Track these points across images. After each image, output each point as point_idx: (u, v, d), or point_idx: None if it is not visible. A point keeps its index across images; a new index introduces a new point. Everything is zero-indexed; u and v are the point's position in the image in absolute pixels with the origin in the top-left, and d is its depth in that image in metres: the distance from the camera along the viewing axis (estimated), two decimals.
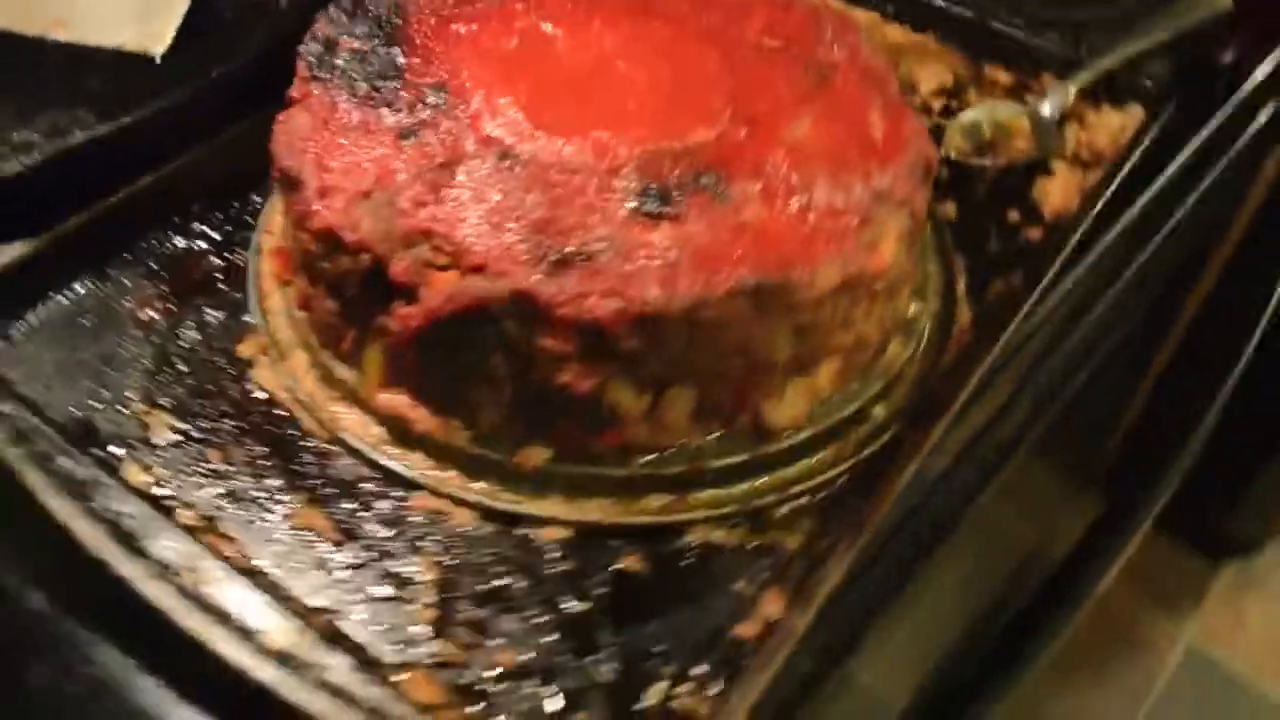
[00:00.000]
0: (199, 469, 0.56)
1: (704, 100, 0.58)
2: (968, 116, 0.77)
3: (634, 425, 0.54)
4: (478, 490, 0.55)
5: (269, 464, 0.56)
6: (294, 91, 0.58)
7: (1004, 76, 0.81)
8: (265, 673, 0.47)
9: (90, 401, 0.58)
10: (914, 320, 0.62)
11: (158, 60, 0.73)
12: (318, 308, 0.57)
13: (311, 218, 0.53)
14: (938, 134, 0.73)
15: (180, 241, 0.67)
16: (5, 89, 0.69)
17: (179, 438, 0.57)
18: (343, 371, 0.58)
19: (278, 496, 0.55)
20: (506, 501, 0.55)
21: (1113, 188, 0.69)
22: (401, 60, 0.59)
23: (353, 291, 0.54)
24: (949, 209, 0.71)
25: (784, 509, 0.56)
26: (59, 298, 0.63)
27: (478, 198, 0.53)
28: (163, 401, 0.58)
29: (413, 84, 0.58)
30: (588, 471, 0.55)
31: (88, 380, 0.59)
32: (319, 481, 0.56)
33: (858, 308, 0.55)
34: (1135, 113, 0.76)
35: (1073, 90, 0.77)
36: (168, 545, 0.51)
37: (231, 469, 0.56)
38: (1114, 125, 0.76)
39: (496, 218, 0.52)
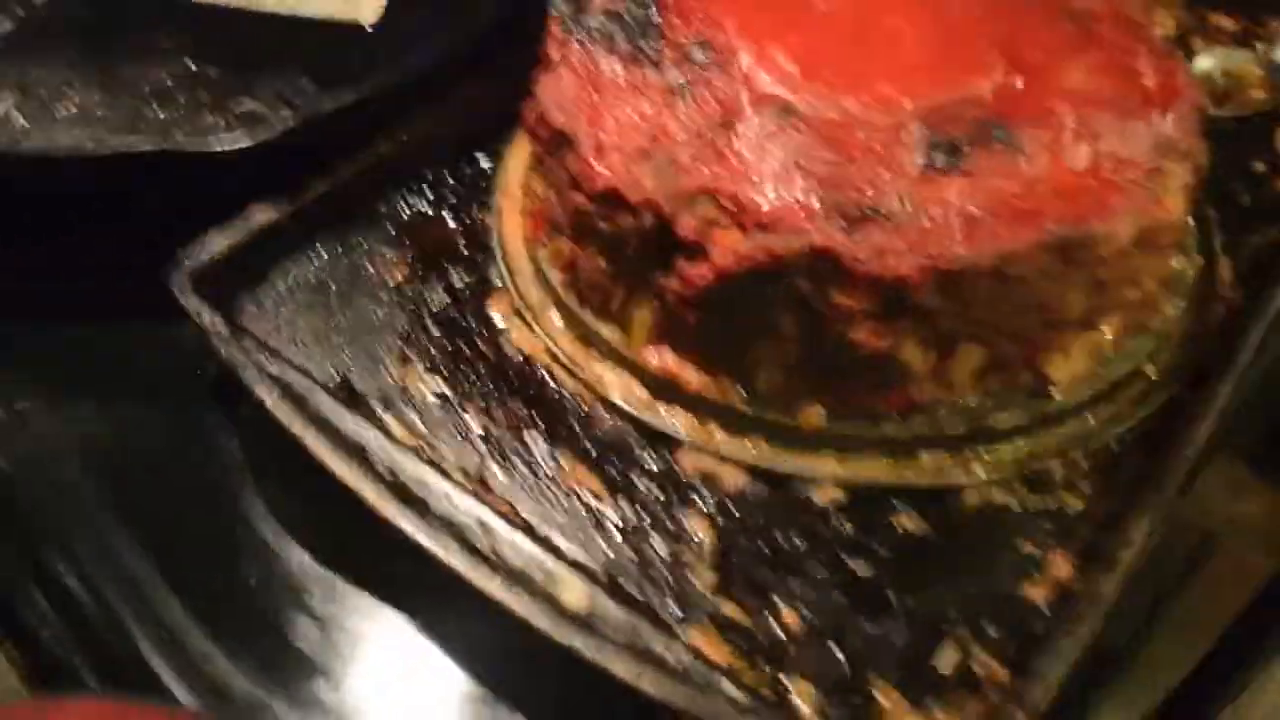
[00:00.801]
0: (464, 430, 0.56)
1: (975, 50, 0.57)
2: (1200, 66, 0.74)
3: (919, 384, 0.53)
4: (749, 450, 0.54)
5: (534, 424, 0.56)
6: (551, 51, 0.57)
7: (1228, 23, 0.78)
8: (567, 635, 0.46)
9: (349, 363, 0.58)
10: (1179, 276, 0.60)
11: (368, 29, 0.72)
12: (586, 267, 0.56)
13: (592, 178, 0.52)
14: None
15: (419, 205, 0.66)
16: (229, 61, 0.69)
17: (439, 399, 0.57)
18: (605, 331, 0.57)
19: (545, 456, 0.54)
20: (779, 461, 0.53)
21: None
22: (658, 17, 0.58)
23: (631, 251, 0.53)
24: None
25: (1063, 470, 0.54)
26: (306, 264, 0.63)
27: (760, 155, 0.52)
28: (419, 363, 0.58)
29: (674, 41, 0.57)
30: (862, 432, 0.54)
31: (343, 343, 0.59)
32: (586, 441, 0.55)
33: (1146, 261, 0.54)
34: None
35: None
36: (452, 506, 0.51)
37: (495, 429, 0.56)
38: None
39: (784, 174, 0.51)
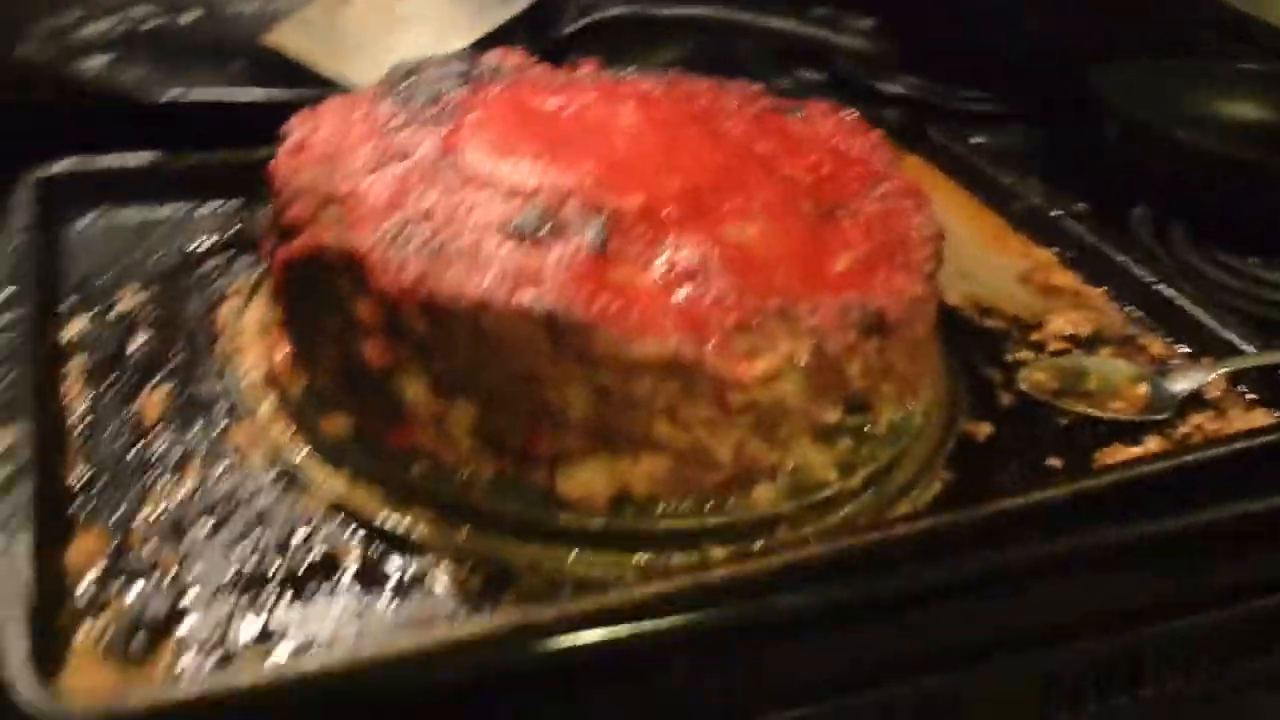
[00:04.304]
0: None
1: (669, 178, 0.57)
2: (1076, 361, 0.67)
3: (422, 426, 0.52)
4: (283, 439, 0.55)
5: None
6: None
7: (1157, 346, 0.69)
8: None
9: None
10: (806, 476, 0.54)
11: None
12: None
13: (273, 165, 0.58)
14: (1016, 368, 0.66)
15: None
16: None
17: None
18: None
19: None
20: (295, 459, 0.54)
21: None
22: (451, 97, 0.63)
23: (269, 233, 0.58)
24: (981, 429, 0.62)
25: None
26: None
27: (396, 183, 0.55)
28: None
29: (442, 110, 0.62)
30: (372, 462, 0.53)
31: None
32: None
33: (695, 408, 0.50)
34: None
35: (1222, 373, 0.65)
36: None
37: None
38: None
39: (398, 197, 0.54)
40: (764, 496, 0.53)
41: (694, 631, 0.47)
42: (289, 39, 0.91)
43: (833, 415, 0.56)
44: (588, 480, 0.51)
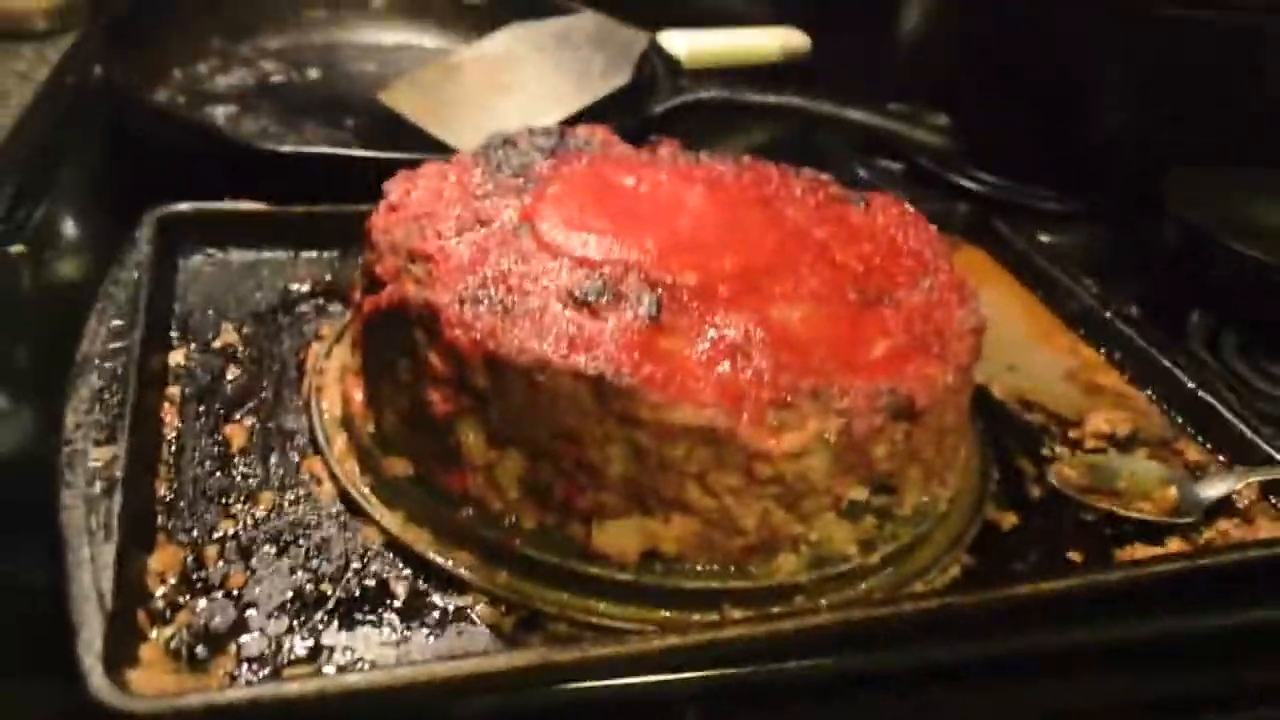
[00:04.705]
0: None
1: (725, 257, 0.61)
2: (1109, 460, 0.69)
3: (474, 474, 0.56)
4: (354, 476, 0.60)
5: None
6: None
7: (1193, 451, 0.71)
8: None
9: None
10: (828, 549, 0.57)
11: None
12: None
13: (371, 222, 0.64)
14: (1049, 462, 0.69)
15: None
16: None
17: None
18: None
19: None
20: (361, 496, 0.59)
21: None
22: (537, 169, 0.69)
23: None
24: (1006, 518, 0.64)
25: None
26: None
27: (476, 247, 0.60)
28: None
29: (526, 180, 0.67)
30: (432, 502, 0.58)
31: None
32: None
33: (725, 476, 0.54)
34: None
35: (1253, 482, 0.67)
36: None
37: None
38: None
39: (476, 259, 0.59)
40: (785, 565, 0.57)
41: (705, 687, 0.51)
42: (402, 98, 0.98)
43: (859, 493, 0.59)
44: (620, 536, 0.55)
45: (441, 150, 0.85)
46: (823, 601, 0.56)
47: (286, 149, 0.82)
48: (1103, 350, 0.80)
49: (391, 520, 0.58)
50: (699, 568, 0.56)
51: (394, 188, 0.66)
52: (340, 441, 0.63)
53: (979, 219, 0.90)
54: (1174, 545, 0.64)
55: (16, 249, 0.80)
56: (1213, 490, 0.67)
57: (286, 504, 0.59)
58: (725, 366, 0.55)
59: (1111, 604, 0.58)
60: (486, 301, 0.56)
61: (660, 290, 0.58)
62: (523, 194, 0.66)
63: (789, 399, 0.55)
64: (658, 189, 0.67)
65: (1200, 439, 0.73)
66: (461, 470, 0.57)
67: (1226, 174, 0.89)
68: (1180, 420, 0.74)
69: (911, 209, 0.72)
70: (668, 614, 0.55)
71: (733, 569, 0.56)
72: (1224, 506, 0.67)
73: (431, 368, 0.57)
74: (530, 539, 0.56)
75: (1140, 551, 0.63)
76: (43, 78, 0.99)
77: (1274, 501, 0.68)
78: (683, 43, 1.07)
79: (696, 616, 0.55)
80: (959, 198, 0.98)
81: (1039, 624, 0.57)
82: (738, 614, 0.55)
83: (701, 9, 1.20)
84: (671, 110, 0.93)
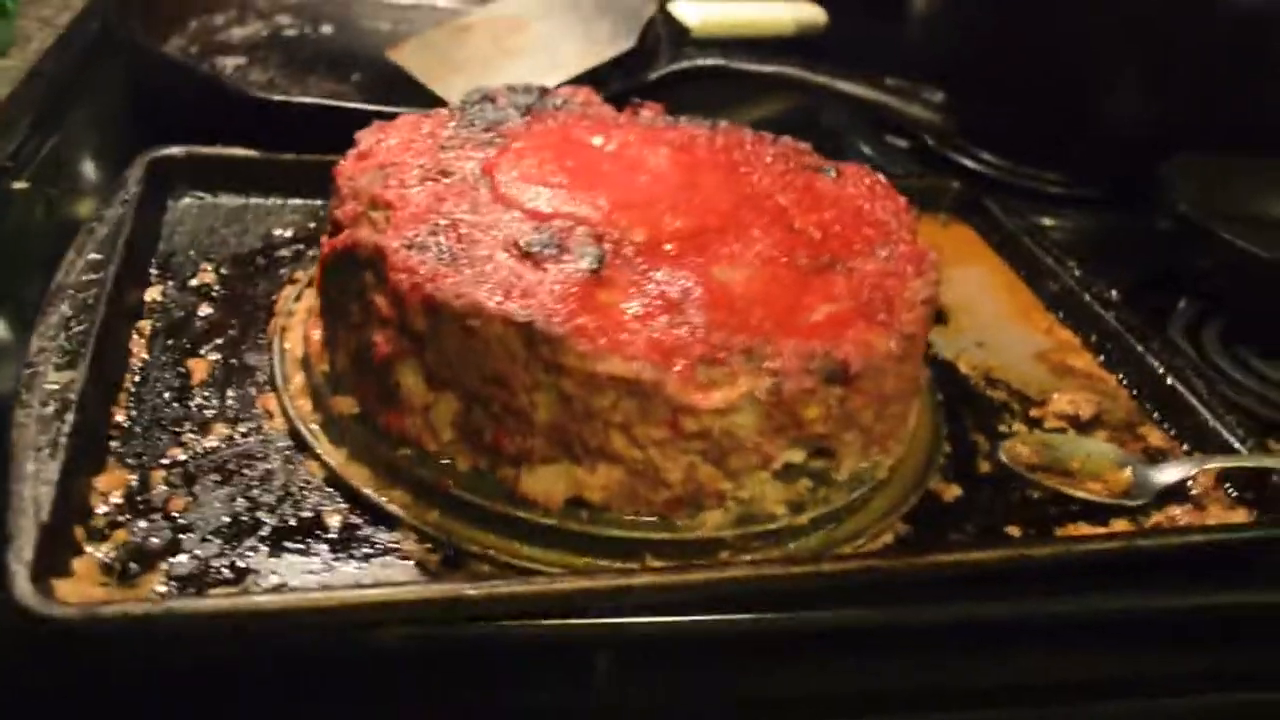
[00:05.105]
0: None
1: (677, 217, 0.62)
2: (1064, 440, 0.69)
3: (412, 415, 0.58)
4: (302, 409, 0.62)
5: None
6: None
7: (1156, 436, 0.71)
8: None
9: None
10: (756, 508, 0.58)
11: None
12: None
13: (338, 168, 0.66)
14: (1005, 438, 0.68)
15: None
16: None
17: None
18: None
19: None
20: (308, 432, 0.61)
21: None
22: (509, 125, 0.70)
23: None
24: (950, 490, 0.65)
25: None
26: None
27: (434, 196, 0.62)
28: None
29: (495, 136, 0.68)
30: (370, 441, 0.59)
31: None
32: None
33: (651, 428, 0.55)
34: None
35: (1209, 468, 0.66)
36: None
37: None
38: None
39: (432, 208, 0.61)
40: (711, 520, 0.57)
41: (615, 635, 0.52)
42: (409, 56, 1.00)
43: (795, 455, 0.60)
44: (547, 481, 0.56)
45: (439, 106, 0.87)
46: (746, 558, 0.57)
47: (278, 98, 0.84)
48: (1079, 333, 0.79)
49: (335, 456, 0.60)
50: (625, 517, 0.57)
51: (366, 136, 0.68)
52: (298, 380, 0.64)
53: (970, 197, 0.90)
54: (1118, 526, 0.64)
55: (20, 185, 0.83)
56: (1167, 475, 0.66)
57: (238, 436, 0.61)
58: (662, 321, 0.56)
59: (1042, 580, 0.58)
60: (435, 248, 0.58)
61: (606, 245, 0.59)
62: (490, 148, 0.67)
63: (720, 356, 0.55)
64: (623, 149, 0.68)
65: (1165, 425, 0.72)
66: (400, 411, 0.58)
67: (1228, 163, 0.87)
68: (1147, 406, 0.73)
69: (884, 180, 0.72)
70: (590, 561, 0.56)
71: (658, 520, 0.57)
72: (1179, 492, 0.66)
73: (377, 309, 0.58)
74: (463, 480, 0.57)
75: (1082, 530, 0.63)
76: (65, 24, 1.02)
77: (1230, 489, 0.67)
78: (694, 13, 1.07)
79: (618, 565, 0.56)
80: (960, 176, 0.98)
81: (962, 594, 0.57)
82: (658, 564, 0.56)
83: None
84: (669, 76, 0.93)
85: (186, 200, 0.79)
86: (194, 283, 0.72)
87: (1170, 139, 0.92)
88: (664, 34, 0.99)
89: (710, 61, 0.94)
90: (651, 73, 0.94)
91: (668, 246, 0.60)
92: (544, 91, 0.75)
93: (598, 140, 0.69)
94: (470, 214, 0.61)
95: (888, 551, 0.60)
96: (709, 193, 0.65)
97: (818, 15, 1.15)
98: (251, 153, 0.80)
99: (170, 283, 0.72)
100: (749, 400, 0.55)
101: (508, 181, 0.63)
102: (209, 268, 0.74)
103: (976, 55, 0.97)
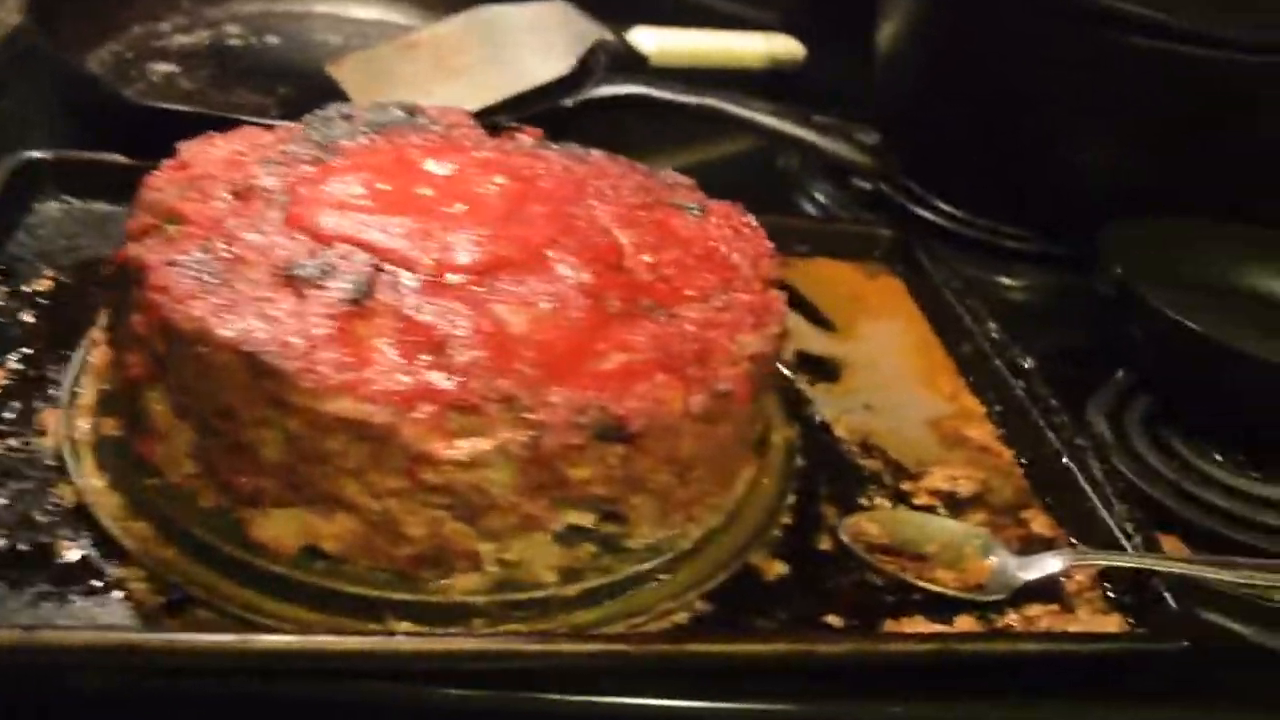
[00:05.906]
0: None
1: (479, 248, 0.57)
2: (924, 520, 0.62)
3: (160, 443, 0.53)
4: (74, 433, 0.58)
5: None
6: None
7: (1040, 523, 0.63)
8: None
9: None
10: (521, 573, 0.52)
11: None
12: None
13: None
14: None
15: None
16: None
17: None
18: None
19: None
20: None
21: None
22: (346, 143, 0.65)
23: None
24: (773, 567, 0.58)
25: None
26: None
27: (226, 212, 0.58)
28: None
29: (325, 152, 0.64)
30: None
31: None
32: None
33: (386, 478, 0.49)
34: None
35: (1085, 564, 0.59)
36: None
37: None
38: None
39: (218, 224, 0.57)
40: (463, 583, 0.52)
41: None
42: (346, 71, 0.96)
43: (582, 518, 0.54)
44: (279, 526, 0.51)
45: None
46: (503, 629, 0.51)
47: (152, 104, 0.81)
48: (985, 401, 0.72)
49: (91, 482, 0.56)
50: (364, 573, 0.51)
51: (189, 146, 0.64)
52: (86, 395, 0.61)
53: (900, 247, 0.83)
54: (963, 624, 0.56)
55: None
56: (1035, 570, 0.59)
57: (3, 450, 0.58)
58: (420, 360, 0.51)
59: (827, 681, 0.51)
60: (197, 268, 0.54)
61: (385, 275, 0.54)
62: (312, 165, 0.63)
63: (475, 402, 0.50)
64: (457, 176, 0.63)
65: (1053, 510, 0.64)
66: (151, 438, 0.54)
67: (1181, 226, 0.79)
68: (1038, 488, 0.65)
69: (753, 223, 0.66)
70: (324, 617, 0.51)
71: (400, 579, 0.51)
72: (1049, 591, 0.59)
73: (132, 328, 0.54)
74: (201, 518, 0.53)
75: (913, 626, 0.55)
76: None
77: (1109, 591, 0.59)
78: (652, 40, 1.01)
79: (355, 624, 0.51)
80: (912, 226, 0.90)
81: (719, 690, 0.50)
82: (404, 627, 0.51)
83: (711, 13, 1.15)
84: (593, 102, 0.88)
85: (53, 204, 0.77)
86: (27, 288, 0.69)
87: (1135, 197, 0.84)
88: (604, 60, 0.94)
89: (629, 89, 0.89)
90: (569, 98, 0.89)
91: (455, 279, 0.55)
92: (413, 111, 0.71)
93: (430, 164, 0.64)
94: (252, 233, 0.56)
95: (667, 634, 0.53)
96: (528, 225, 0.60)
97: (794, 49, 1.09)
98: (122, 159, 0.77)
99: (4, 288, 0.69)
100: (500, 454, 0.50)
101: (305, 202, 0.59)
102: (50, 274, 0.71)
103: (936, 102, 0.90)
